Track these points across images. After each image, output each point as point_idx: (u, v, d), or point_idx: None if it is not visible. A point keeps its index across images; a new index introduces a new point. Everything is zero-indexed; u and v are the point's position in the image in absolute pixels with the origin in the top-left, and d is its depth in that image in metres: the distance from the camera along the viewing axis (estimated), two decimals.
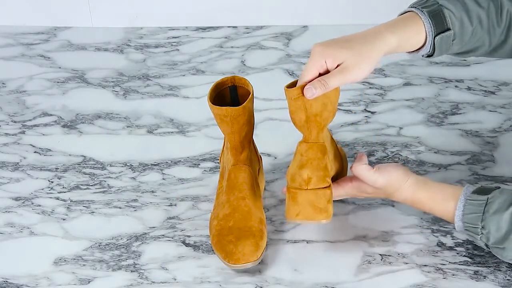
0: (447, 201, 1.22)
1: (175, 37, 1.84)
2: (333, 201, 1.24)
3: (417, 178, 1.26)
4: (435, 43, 1.21)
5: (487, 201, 1.18)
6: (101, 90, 1.69)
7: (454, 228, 1.27)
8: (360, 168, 1.25)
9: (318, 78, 1.17)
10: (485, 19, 1.23)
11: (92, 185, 1.46)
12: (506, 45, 1.26)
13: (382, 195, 1.28)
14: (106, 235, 1.36)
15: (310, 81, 1.17)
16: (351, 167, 1.26)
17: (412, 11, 1.21)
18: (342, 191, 1.29)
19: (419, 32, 1.20)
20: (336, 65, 1.17)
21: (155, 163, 1.50)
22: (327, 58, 1.16)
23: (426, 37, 1.20)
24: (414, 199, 1.25)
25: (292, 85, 1.21)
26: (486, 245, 1.20)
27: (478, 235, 1.19)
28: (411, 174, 1.26)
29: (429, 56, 1.24)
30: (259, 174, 1.39)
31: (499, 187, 1.20)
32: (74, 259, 1.32)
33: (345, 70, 1.16)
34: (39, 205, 1.42)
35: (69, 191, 1.45)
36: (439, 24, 1.20)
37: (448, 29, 1.21)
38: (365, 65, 1.17)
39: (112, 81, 1.72)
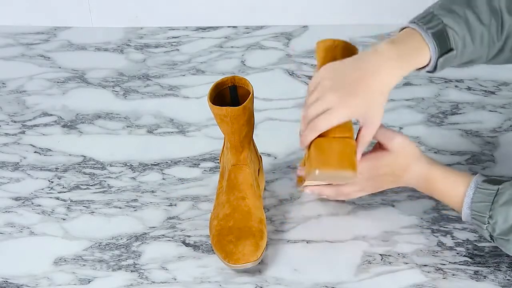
0: (458, 185, 1.21)
1: (175, 37, 1.84)
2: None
3: (430, 158, 1.26)
4: (438, 63, 1.20)
5: (498, 191, 1.17)
6: (101, 90, 1.69)
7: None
8: (380, 128, 1.23)
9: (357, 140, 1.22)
10: (486, 36, 1.22)
11: (92, 185, 1.46)
12: (502, 55, 1.26)
13: (398, 171, 1.25)
14: (106, 235, 1.36)
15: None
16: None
17: (415, 29, 1.19)
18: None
19: (424, 56, 1.19)
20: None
21: (155, 163, 1.50)
22: (353, 116, 1.19)
23: (430, 59, 1.20)
24: (428, 176, 1.24)
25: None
26: (491, 236, 1.19)
27: (485, 224, 1.18)
28: (423, 154, 1.26)
29: (429, 72, 1.23)
30: (259, 174, 1.39)
31: (510, 180, 1.19)
32: (74, 259, 1.32)
33: (369, 124, 1.20)
34: (39, 205, 1.42)
35: (69, 191, 1.45)
36: (443, 45, 1.19)
37: (451, 49, 1.20)
38: (381, 108, 1.19)
39: (112, 81, 1.72)
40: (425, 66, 1.21)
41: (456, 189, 1.22)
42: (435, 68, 1.22)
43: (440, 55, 1.19)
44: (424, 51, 1.19)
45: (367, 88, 1.17)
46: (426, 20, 1.20)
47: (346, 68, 1.19)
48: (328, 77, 1.19)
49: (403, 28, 1.22)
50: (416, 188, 1.27)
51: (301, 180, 1.31)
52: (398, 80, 1.19)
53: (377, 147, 1.27)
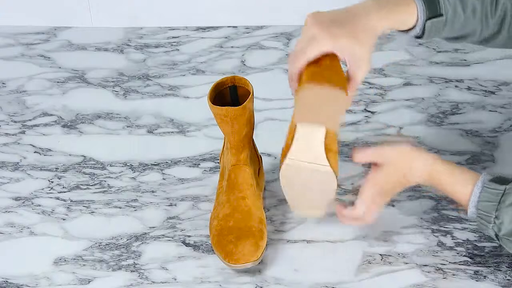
0: (465, 183, 1.20)
1: (175, 37, 1.84)
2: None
3: (433, 154, 1.24)
4: (425, 27, 1.21)
5: (505, 191, 1.16)
6: (101, 90, 1.69)
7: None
8: (361, 151, 1.23)
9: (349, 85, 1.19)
10: (479, 9, 1.23)
11: (92, 185, 1.46)
12: (499, 36, 1.26)
13: (405, 171, 1.23)
14: (106, 235, 1.36)
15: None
16: (352, 157, 1.24)
17: None
18: (361, 198, 1.24)
19: (411, 14, 1.20)
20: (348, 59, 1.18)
21: (155, 163, 1.50)
22: (337, 51, 1.16)
23: (418, 19, 1.21)
24: (432, 172, 1.22)
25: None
26: (496, 235, 1.18)
27: (490, 223, 1.17)
28: (424, 150, 1.24)
29: (417, 37, 1.24)
30: (259, 174, 1.39)
31: None
32: (74, 259, 1.32)
33: (361, 63, 1.18)
34: (39, 205, 1.42)
35: (69, 191, 1.45)
36: (432, 9, 1.21)
37: (440, 15, 1.21)
38: (370, 51, 1.18)
39: (112, 81, 1.72)
40: (412, 29, 1.22)
41: (463, 187, 1.20)
42: (423, 33, 1.22)
43: (428, 18, 1.20)
44: (411, 9, 1.20)
45: (354, 26, 1.17)
46: None
47: (332, 13, 1.19)
48: (313, 18, 1.19)
49: None
50: (424, 184, 1.26)
51: (285, 150, 1.25)
52: (383, 28, 1.19)
53: (373, 167, 1.26)
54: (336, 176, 1.20)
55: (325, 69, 1.16)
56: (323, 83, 1.14)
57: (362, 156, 1.24)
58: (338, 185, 1.22)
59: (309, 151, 1.19)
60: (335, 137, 1.21)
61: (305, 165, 1.20)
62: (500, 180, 1.18)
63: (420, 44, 1.73)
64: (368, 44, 1.18)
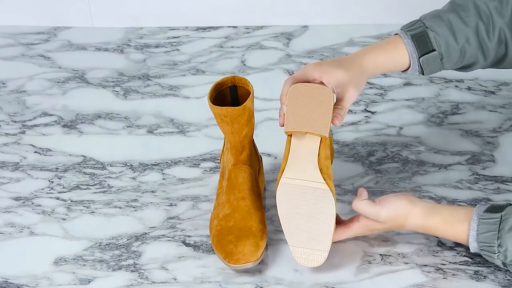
0: (459, 223, 1.21)
1: (175, 37, 1.84)
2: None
3: (426, 204, 1.23)
4: (421, 64, 1.26)
5: (501, 218, 1.17)
6: (101, 90, 1.69)
7: (469, 251, 1.24)
8: (360, 204, 1.23)
9: (335, 109, 1.22)
10: (473, 38, 1.27)
11: (92, 185, 1.46)
12: (508, 58, 1.29)
13: (394, 228, 1.26)
14: (106, 235, 1.36)
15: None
16: (352, 204, 1.24)
17: (398, 34, 1.27)
18: (350, 232, 1.26)
19: (402, 54, 1.26)
20: (335, 87, 1.23)
21: (155, 163, 1.50)
22: (324, 74, 1.21)
23: (410, 58, 1.26)
24: (426, 225, 1.23)
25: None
26: (504, 264, 1.19)
27: (495, 253, 1.18)
28: (417, 202, 1.23)
29: (422, 74, 1.29)
30: (259, 174, 1.39)
31: (510, 204, 1.19)
32: (74, 259, 1.32)
33: (349, 87, 1.22)
34: (39, 205, 1.42)
35: (69, 191, 1.45)
36: (423, 46, 1.26)
37: (433, 50, 1.26)
38: (360, 80, 1.24)
39: (112, 81, 1.71)
40: (409, 68, 1.27)
41: (459, 227, 1.21)
42: (422, 70, 1.27)
43: (421, 55, 1.26)
44: (400, 49, 1.26)
45: (340, 60, 1.23)
46: (410, 25, 1.28)
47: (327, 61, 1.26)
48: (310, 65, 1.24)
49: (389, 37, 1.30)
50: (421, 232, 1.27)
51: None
52: (373, 65, 1.25)
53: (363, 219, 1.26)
54: (333, 195, 1.21)
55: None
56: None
57: (360, 206, 1.24)
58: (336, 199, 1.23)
59: (303, 169, 1.22)
60: (326, 143, 1.23)
61: (299, 183, 1.22)
62: (494, 209, 1.19)
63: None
64: (352, 72, 1.22)
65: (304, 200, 1.21)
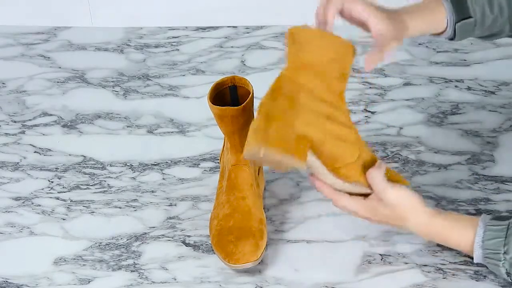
0: (464, 229, 1.19)
1: (175, 37, 1.84)
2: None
3: (433, 208, 1.21)
4: (456, 29, 1.25)
5: (509, 225, 1.15)
6: (101, 90, 1.70)
7: (472, 260, 1.22)
8: (375, 172, 1.17)
9: (372, 50, 1.17)
10: (506, 8, 1.26)
11: (92, 185, 1.46)
12: None
13: (396, 221, 1.20)
14: (106, 235, 1.36)
15: None
16: (366, 173, 1.19)
17: None
18: (353, 204, 1.20)
19: (441, 18, 1.24)
20: (377, 32, 1.17)
21: (155, 163, 1.50)
22: (371, 16, 1.16)
23: (448, 22, 1.24)
24: (429, 226, 1.20)
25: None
26: (508, 273, 1.16)
27: (500, 261, 1.16)
28: (426, 204, 1.20)
29: (451, 39, 1.27)
30: (259, 174, 1.39)
31: None
32: (74, 259, 1.32)
33: (392, 40, 1.18)
34: (39, 205, 1.42)
35: (69, 191, 1.45)
36: (461, 12, 1.24)
37: (470, 17, 1.25)
38: (401, 36, 1.19)
39: (112, 81, 1.72)
40: (443, 32, 1.25)
41: (464, 233, 1.19)
42: (454, 35, 1.26)
43: (458, 21, 1.24)
44: (440, 13, 1.24)
45: (391, 14, 1.19)
46: None
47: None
48: None
49: None
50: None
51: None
52: (415, 27, 1.21)
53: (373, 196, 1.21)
54: None
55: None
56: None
57: (374, 174, 1.19)
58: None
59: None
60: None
61: None
62: (501, 218, 1.17)
63: (419, 44, 1.73)
64: (399, 29, 1.18)
65: None
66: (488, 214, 1.19)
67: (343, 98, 1.16)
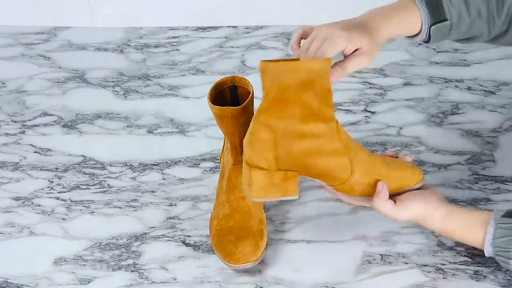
0: (476, 227, 1.20)
1: (175, 37, 1.84)
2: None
3: (445, 208, 1.22)
4: (431, 32, 1.22)
5: None
6: (101, 90, 1.69)
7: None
8: (380, 205, 1.21)
9: (336, 64, 1.16)
10: (485, 11, 1.23)
11: (92, 185, 1.46)
12: (507, 35, 1.27)
13: (415, 221, 1.25)
14: (106, 235, 1.36)
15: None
16: (371, 202, 1.22)
17: None
18: (383, 209, 1.23)
19: (415, 21, 1.22)
20: (354, 50, 1.17)
21: (155, 163, 1.50)
22: (350, 43, 1.16)
23: (422, 25, 1.22)
24: (443, 229, 1.22)
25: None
26: None
27: (510, 259, 1.17)
28: (437, 206, 1.22)
29: (425, 42, 1.25)
30: None
31: None
32: (74, 259, 1.32)
33: (362, 56, 1.17)
34: (39, 205, 1.42)
35: (69, 191, 1.45)
36: (436, 14, 1.21)
37: (445, 20, 1.22)
38: (376, 51, 1.19)
39: (112, 81, 1.72)
40: (418, 34, 1.23)
41: (476, 231, 1.20)
42: (429, 38, 1.23)
43: (433, 24, 1.21)
44: (414, 15, 1.21)
45: (363, 28, 1.18)
46: None
47: (340, 21, 1.20)
48: (323, 25, 1.19)
49: None
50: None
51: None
52: (389, 32, 1.20)
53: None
54: None
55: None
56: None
57: (380, 207, 1.22)
58: None
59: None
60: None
61: None
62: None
63: (420, 44, 1.73)
64: (375, 43, 1.18)
65: None
66: (501, 210, 1.20)
67: (326, 115, 1.17)
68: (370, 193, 1.22)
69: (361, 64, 1.18)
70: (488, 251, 1.19)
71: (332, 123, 1.17)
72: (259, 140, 1.17)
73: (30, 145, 1.56)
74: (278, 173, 1.18)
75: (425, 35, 1.23)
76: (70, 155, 1.53)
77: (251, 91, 1.31)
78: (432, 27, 1.22)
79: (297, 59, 1.17)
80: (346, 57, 1.17)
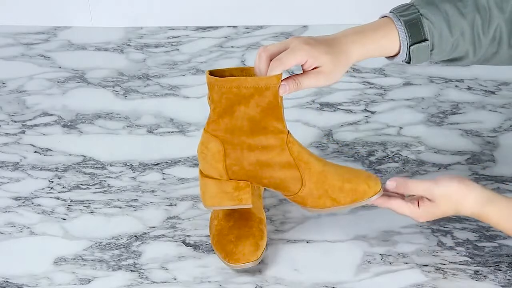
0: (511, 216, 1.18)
1: (175, 37, 1.84)
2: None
3: (481, 192, 1.19)
4: (411, 53, 1.19)
5: None
6: (101, 90, 1.70)
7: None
8: (412, 181, 1.19)
9: (292, 77, 1.15)
10: (468, 31, 1.20)
11: (92, 185, 1.46)
12: (498, 56, 1.23)
13: (450, 213, 1.21)
14: (106, 235, 1.36)
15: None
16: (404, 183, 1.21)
17: (389, 17, 1.20)
18: (408, 209, 1.22)
19: (392, 40, 1.18)
20: (314, 67, 1.15)
21: (155, 163, 1.50)
22: (310, 58, 1.14)
23: (401, 45, 1.19)
24: (480, 214, 1.19)
25: (218, 72, 1.18)
26: None
27: None
28: (472, 187, 1.19)
29: (407, 63, 1.21)
30: None
31: None
32: (74, 259, 1.32)
33: (321, 74, 1.15)
34: (39, 205, 1.42)
35: (69, 191, 1.45)
36: (416, 34, 1.18)
37: (425, 40, 1.18)
38: (339, 73, 1.16)
39: (112, 81, 1.72)
40: (397, 55, 1.20)
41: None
42: (410, 59, 1.20)
43: (412, 44, 1.18)
44: (392, 36, 1.18)
45: (331, 46, 1.15)
46: (402, 9, 1.19)
47: (315, 36, 1.18)
48: (296, 37, 1.17)
49: (382, 17, 1.21)
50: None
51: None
52: (359, 55, 1.17)
53: (417, 201, 1.22)
54: None
55: None
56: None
57: (403, 187, 1.21)
58: None
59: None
60: None
61: None
62: None
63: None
64: (340, 64, 1.15)
65: None
66: None
67: (276, 128, 1.18)
68: (322, 206, 1.22)
69: (318, 83, 1.15)
70: None
71: (283, 135, 1.18)
72: (209, 151, 1.20)
73: (30, 145, 1.56)
74: (230, 182, 1.21)
75: (405, 55, 1.19)
76: (70, 155, 1.53)
77: None
78: (412, 47, 1.18)
79: (252, 68, 1.17)
80: (304, 72, 1.16)
